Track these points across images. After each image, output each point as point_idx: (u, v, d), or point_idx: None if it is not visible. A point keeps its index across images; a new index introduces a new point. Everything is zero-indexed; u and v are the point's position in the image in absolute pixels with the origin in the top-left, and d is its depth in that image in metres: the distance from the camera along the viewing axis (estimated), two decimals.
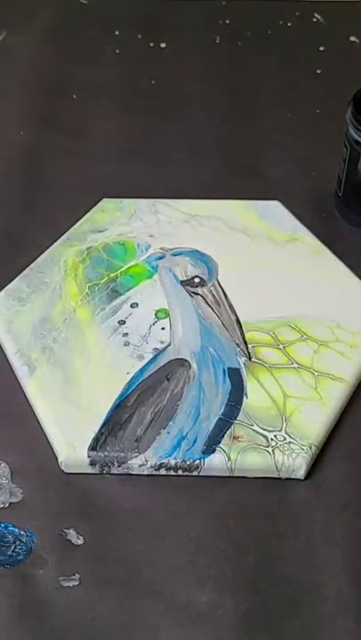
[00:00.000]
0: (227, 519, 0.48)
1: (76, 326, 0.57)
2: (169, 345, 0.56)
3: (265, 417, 0.51)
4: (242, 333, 0.56)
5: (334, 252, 0.63)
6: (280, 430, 0.51)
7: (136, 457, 0.49)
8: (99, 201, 0.69)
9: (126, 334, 0.57)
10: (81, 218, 0.67)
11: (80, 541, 0.47)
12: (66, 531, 0.48)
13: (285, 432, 0.50)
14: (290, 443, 0.50)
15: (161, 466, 0.49)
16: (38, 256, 0.63)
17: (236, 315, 0.58)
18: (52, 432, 0.51)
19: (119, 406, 0.52)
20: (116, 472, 0.50)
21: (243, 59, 0.91)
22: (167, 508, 0.49)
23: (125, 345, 0.56)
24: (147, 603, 0.44)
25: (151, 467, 0.49)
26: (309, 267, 0.62)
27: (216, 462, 0.49)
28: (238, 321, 0.57)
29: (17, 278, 0.61)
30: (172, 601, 0.45)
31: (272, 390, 0.53)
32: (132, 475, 0.50)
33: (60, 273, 0.62)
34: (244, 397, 0.52)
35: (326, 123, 0.77)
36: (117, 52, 0.92)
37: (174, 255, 0.63)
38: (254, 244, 0.64)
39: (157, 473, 0.50)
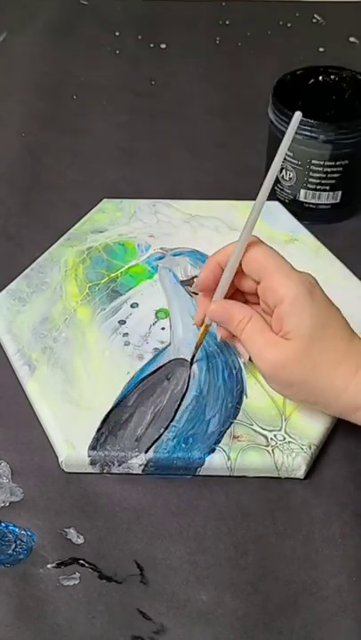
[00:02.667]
0: (226, 518, 0.48)
1: (77, 326, 0.58)
2: (169, 345, 0.56)
3: (265, 416, 0.51)
4: None
5: (334, 253, 0.64)
6: (280, 430, 0.51)
7: (136, 456, 0.49)
8: (99, 201, 0.69)
9: (126, 334, 0.57)
10: (81, 218, 0.67)
11: (80, 540, 0.47)
12: (66, 530, 0.48)
13: (285, 432, 0.50)
14: (289, 442, 0.50)
15: (161, 465, 0.50)
16: (39, 256, 0.63)
17: None
18: (53, 431, 0.51)
19: (119, 406, 0.52)
20: (117, 471, 0.50)
21: (243, 59, 0.91)
22: (167, 508, 0.49)
23: (126, 345, 0.56)
24: (147, 602, 0.45)
25: (151, 466, 0.50)
26: (309, 267, 0.62)
27: (216, 462, 0.49)
28: None
29: (17, 278, 0.62)
30: (172, 600, 0.45)
31: (272, 390, 0.53)
32: (132, 474, 0.50)
33: (61, 273, 0.62)
34: (244, 397, 0.53)
35: None
36: (117, 52, 0.92)
37: (174, 255, 0.63)
38: None
39: (157, 472, 0.50)
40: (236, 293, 0.52)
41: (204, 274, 0.51)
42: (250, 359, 0.50)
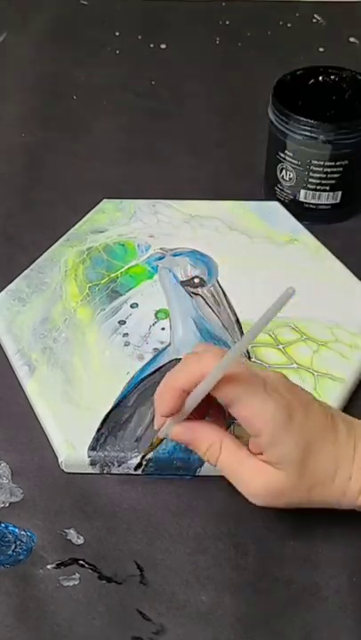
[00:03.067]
0: (227, 519, 0.48)
1: (77, 326, 0.58)
2: (169, 345, 0.56)
3: None
4: (241, 333, 0.57)
5: (334, 253, 0.64)
6: None
7: (136, 457, 0.49)
8: (99, 201, 0.69)
9: (126, 334, 0.57)
10: (81, 218, 0.67)
11: (80, 541, 0.47)
12: (66, 530, 0.48)
13: None
14: None
15: (161, 466, 0.50)
16: (39, 256, 0.63)
17: (236, 315, 0.58)
18: (53, 432, 0.51)
19: (119, 406, 0.52)
20: (116, 472, 0.50)
21: (243, 59, 0.91)
22: (167, 508, 0.49)
23: (125, 345, 0.56)
24: (146, 602, 0.45)
25: (151, 467, 0.49)
26: (309, 267, 0.63)
27: None
28: (238, 321, 0.58)
29: (17, 278, 0.61)
30: (172, 601, 0.45)
31: None
32: (131, 474, 0.50)
33: (61, 273, 0.62)
34: None
35: None
36: (117, 52, 0.92)
37: (174, 255, 0.63)
38: (254, 245, 0.65)
39: (157, 473, 0.50)
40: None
41: (168, 406, 0.43)
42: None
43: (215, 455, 0.44)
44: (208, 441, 0.44)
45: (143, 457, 0.48)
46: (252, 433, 0.42)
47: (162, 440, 0.46)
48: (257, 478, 0.43)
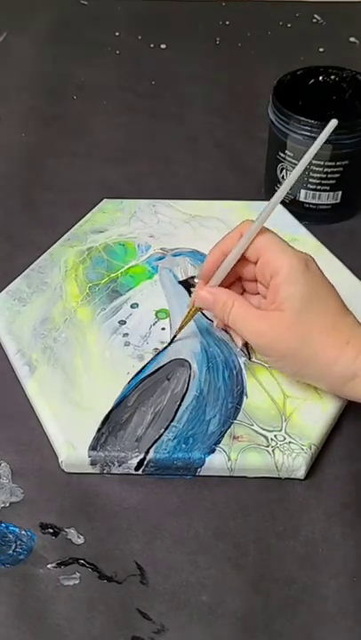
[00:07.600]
0: (227, 519, 0.48)
1: (77, 326, 0.58)
2: (169, 345, 0.56)
3: (265, 417, 0.51)
4: None
5: (334, 253, 0.64)
6: (280, 430, 0.51)
7: (136, 457, 0.49)
8: (99, 201, 0.69)
9: (127, 334, 0.57)
10: (81, 218, 0.67)
11: (80, 540, 0.47)
12: (66, 530, 0.48)
13: (285, 432, 0.50)
14: (290, 442, 0.50)
15: (161, 466, 0.50)
16: (39, 256, 0.63)
17: None
18: (53, 432, 0.51)
19: (119, 406, 0.52)
20: (117, 472, 0.50)
21: (243, 59, 0.91)
22: (167, 508, 0.49)
23: (126, 345, 0.56)
24: (147, 602, 0.45)
25: (151, 467, 0.50)
26: None
27: (216, 462, 0.49)
28: None
29: (18, 278, 0.61)
30: (172, 600, 0.45)
31: (272, 390, 0.53)
32: (132, 474, 0.50)
33: (61, 273, 0.62)
34: (244, 397, 0.53)
35: None
36: (117, 52, 0.92)
37: (174, 256, 0.63)
38: None
39: (158, 473, 0.50)
40: (235, 285, 0.54)
41: (208, 264, 0.53)
42: (247, 345, 0.53)
43: (228, 309, 0.51)
44: (225, 297, 0.51)
45: (179, 329, 0.55)
46: (271, 274, 0.49)
47: (196, 311, 0.55)
48: (263, 321, 0.49)
